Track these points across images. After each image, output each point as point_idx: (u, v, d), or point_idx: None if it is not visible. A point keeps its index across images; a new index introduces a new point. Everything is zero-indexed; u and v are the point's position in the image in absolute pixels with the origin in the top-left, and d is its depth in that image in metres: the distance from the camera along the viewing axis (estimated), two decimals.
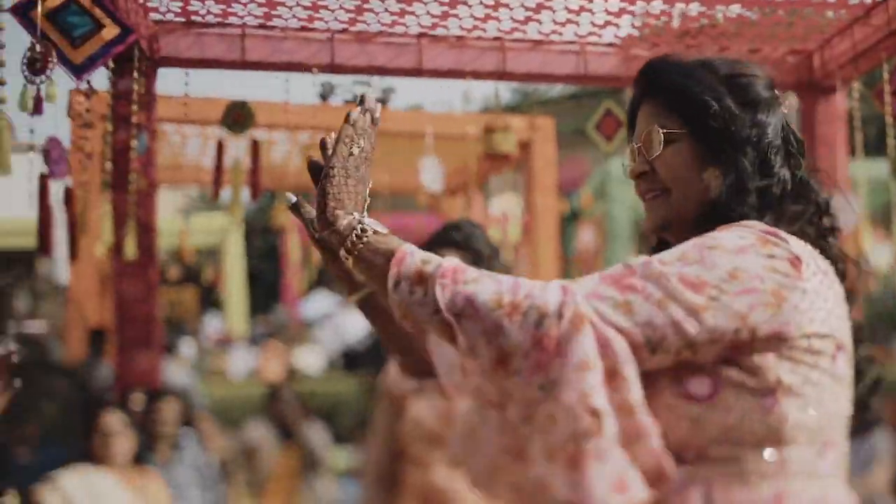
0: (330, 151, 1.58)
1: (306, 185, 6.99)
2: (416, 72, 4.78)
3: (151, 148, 4.69)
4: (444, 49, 4.76)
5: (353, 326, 10.62)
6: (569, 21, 4.40)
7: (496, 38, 4.66)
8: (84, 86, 3.86)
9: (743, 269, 1.44)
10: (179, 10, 4.33)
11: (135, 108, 4.35)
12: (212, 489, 5.26)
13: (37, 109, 3.23)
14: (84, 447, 4.49)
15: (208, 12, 4.35)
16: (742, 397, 1.47)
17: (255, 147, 5.23)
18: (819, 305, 1.48)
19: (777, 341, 1.46)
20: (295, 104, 5.33)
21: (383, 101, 7.40)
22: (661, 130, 1.64)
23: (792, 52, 4.82)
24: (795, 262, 1.46)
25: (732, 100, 1.61)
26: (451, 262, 1.49)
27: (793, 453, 1.49)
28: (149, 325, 4.77)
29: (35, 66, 3.28)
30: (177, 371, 7.74)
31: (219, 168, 4.76)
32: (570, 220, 8.73)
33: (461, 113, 7.70)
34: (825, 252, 1.60)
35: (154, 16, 4.35)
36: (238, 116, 4.90)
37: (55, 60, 3.38)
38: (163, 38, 4.56)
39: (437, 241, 2.81)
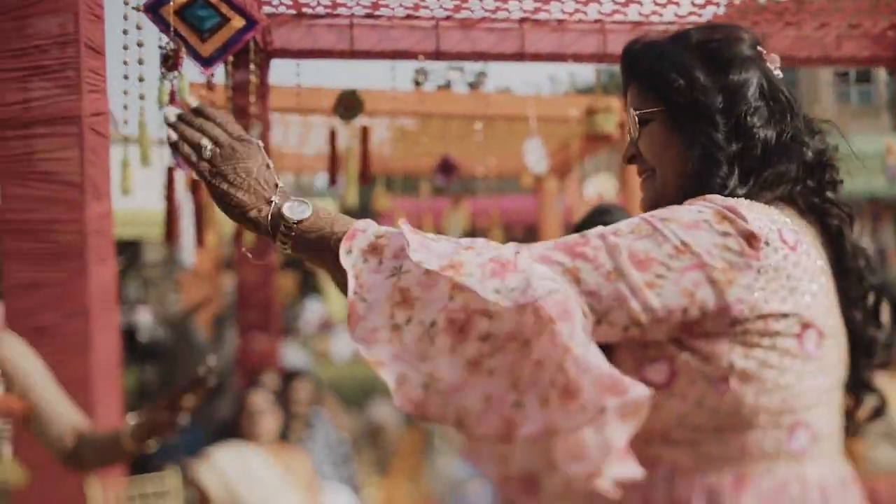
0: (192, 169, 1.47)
1: (406, 170, 7.14)
2: (519, 56, 4.84)
3: (266, 137, 4.85)
4: (545, 33, 4.82)
5: None
6: (669, 2, 4.42)
7: (597, 21, 4.70)
8: (198, 79, 4.00)
9: (693, 244, 1.39)
10: (291, 3, 4.46)
11: (252, 98, 4.50)
12: (343, 466, 5.39)
13: (172, 104, 3.38)
14: (224, 425, 4.66)
15: (318, 4, 4.47)
16: (697, 383, 1.43)
17: (365, 133, 5.37)
18: (780, 284, 1.41)
19: (728, 322, 1.40)
20: (387, 90, 5.46)
21: (476, 84, 7.47)
22: (635, 113, 1.63)
23: (892, 26, 4.77)
24: (752, 239, 1.40)
25: (702, 68, 1.56)
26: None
27: (753, 437, 1.44)
28: (268, 309, 4.94)
29: (168, 62, 3.44)
30: (293, 353, 7.93)
31: (333, 155, 4.89)
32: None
33: (562, 95, 7.73)
34: (819, 210, 1.56)
35: (267, 9, 4.49)
36: (348, 104, 5.03)
37: (186, 55, 3.52)
38: (275, 30, 4.70)
39: (588, 224, 2.86)
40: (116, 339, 2.85)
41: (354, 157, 5.47)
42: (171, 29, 3.44)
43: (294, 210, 1.43)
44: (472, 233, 10.32)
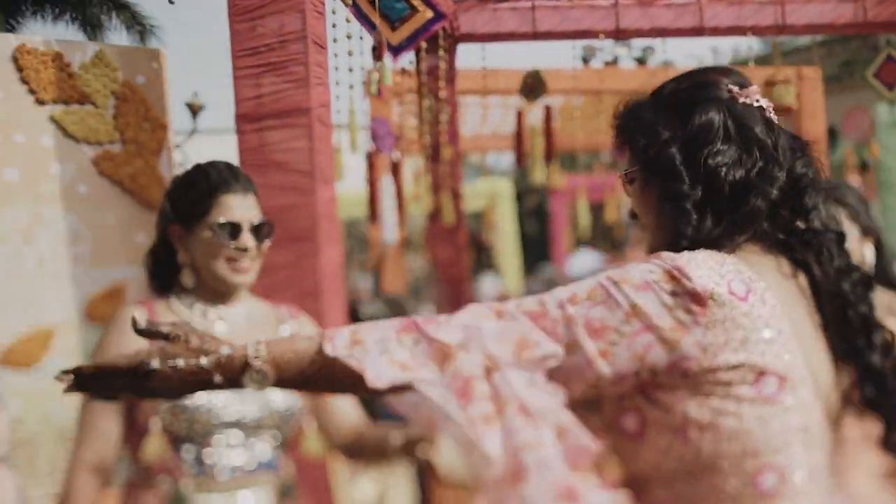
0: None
1: (574, 147, 7.05)
2: (698, 31, 4.77)
3: (453, 120, 4.94)
4: (723, 7, 4.73)
5: None
6: None
7: None
8: (398, 65, 4.11)
9: (643, 306, 1.41)
10: None
11: (441, 83, 4.59)
12: None
13: (379, 92, 3.50)
14: None
15: None
16: (662, 433, 1.46)
17: (548, 113, 5.40)
18: (730, 336, 1.40)
19: (680, 377, 1.42)
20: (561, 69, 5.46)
21: (643, 60, 7.38)
22: (620, 174, 1.66)
23: None
24: (697, 297, 1.40)
25: (666, 121, 1.57)
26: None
27: (717, 481, 1.45)
28: (460, 284, 5.04)
29: (375, 52, 3.56)
30: None
31: (520, 135, 4.94)
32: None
33: (740, 67, 7.50)
34: (792, 243, 1.53)
35: None
36: (532, 85, 5.06)
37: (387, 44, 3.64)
38: (462, 15, 4.77)
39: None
40: (344, 318, 2.97)
41: (538, 137, 5.50)
42: (376, 22, 3.55)
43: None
44: None
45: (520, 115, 5.08)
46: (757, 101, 1.58)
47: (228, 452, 2.27)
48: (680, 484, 1.47)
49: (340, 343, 1.43)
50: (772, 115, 1.59)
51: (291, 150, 2.82)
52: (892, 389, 1.50)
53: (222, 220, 2.33)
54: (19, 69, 2.83)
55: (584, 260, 12.97)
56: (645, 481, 1.51)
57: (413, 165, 5.40)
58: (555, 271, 12.39)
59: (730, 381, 1.41)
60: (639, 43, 7.10)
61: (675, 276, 1.42)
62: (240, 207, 2.36)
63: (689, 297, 1.40)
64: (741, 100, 1.56)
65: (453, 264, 5.08)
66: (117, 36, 9.28)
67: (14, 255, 2.80)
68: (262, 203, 2.47)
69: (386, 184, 4.69)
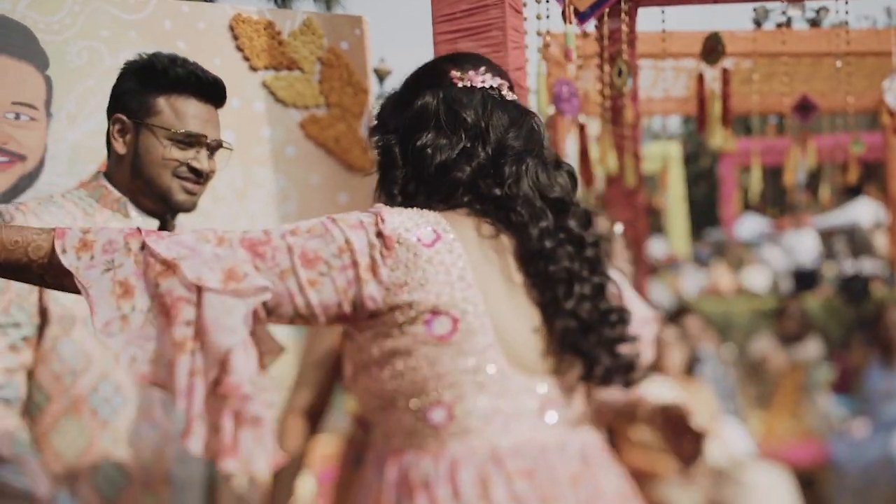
0: None
1: (748, 110, 6.77)
2: None
3: (635, 83, 4.84)
4: None
5: (803, 246, 10.37)
6: None
7: None
8: (584, 30, 4.05)
9: (353, 242, 1.49)
10: None
11: (623, 46, 4.50)
12: (728, 400, 5.38)
13: (567, 57, 3.46)
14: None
15: None
16: (360, 373, 1.58)
17: (726, 76, 5.22)
18: (410, 277, 1.49)
19: (369, 317, 1.52)
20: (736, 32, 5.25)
21: (817, 21, 7.04)
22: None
23: None
24: (388, 241, 1.49)
25: (395, 114, 1.69)
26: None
27: (397, 416, 1.54)
28: (638, 246, 4.97)
29: (563, 16, 3.51)
30: (658, 289, 7.98)
31: (701, 99, 4.80)
32: None
33: None
34: (489, 208, 1.58)
35: None
36: (712, 48, 4.90)
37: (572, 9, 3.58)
38: None
39: None
40: None
41: (717, 100, 5.33)
42: None
43: None
44: (818, 171, 9.81)
45: (700, 79, 4.93)
46: (482, 82, 1.66)
47: None
48: (379, 421, 1.59)
49: (70, 243, 1.45)
50: (503, 92, 1.67)
51: None
52: (588, 330, 1.55)
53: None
54: (235, 37, 2.93)
55: (751, 224, 12.62)
56: (368, 422, 1.66)
57: (594, 128, 5.34)
58: (722, 235, 12.10)
59: (405, 320, 1.50)
60: (812, 4, 6.78)
61: (376, 221, 1.52)
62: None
63: (383, 240, 1.50)
64: (459, 84, 1.65)
65: (631, 226, 5.00)
66: (305, 4, 9.53)
67: (230, 214, 2.93)
68: None
69: (566, 147, 4.64)
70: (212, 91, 2.15)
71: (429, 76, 1.70)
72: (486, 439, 1.51)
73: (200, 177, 2.12)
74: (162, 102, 2.06)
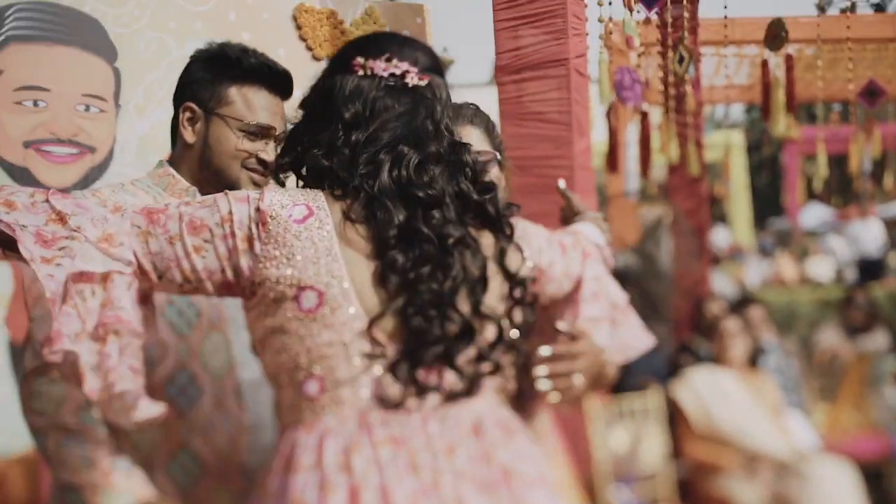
0: None
1: (812, 97, 6.62)
2: None
3: (697, 71, 4.76)
4: None
5: (869, 235, 10.15)
6: None
7: None
8: (650, 17, 3.98)
9: (235, 214, 1.55)
10: None
11: (685, 33, 4.42)
12: (793, 392, 5.29)
13: (629, 44, 3.41)
14: (684, 349, 4.73)
15: None
16: (258, 352, 1.62)
17: (790, 62, 5.11)
18: (280, 252, 1.53)
19: (248, 289, 1.57)
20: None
21: (881, 6, 6.87)
22: None
23: None
24: (263, 216, 1.54)
25: (309, 92, 1.72)
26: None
27: (284, 393, 1.58)
28: (701, 235, 4.90)
29: (624, 2, 3.47)
30: (720, 279, 7.86)
31: (765, 86, 4.71)
32: None
33: None
34: (348, 193, 1.59)
35: None
36: (776, 34, 4.80)
37: None
38: None
39: None
40: None
41: (780, 87, 5.22)
42: None
43: None
44: (883, 159, 9.58)
45: (764, 66, 4.84)
46: (384, 70, 1.65)
47: None
48: (276, 397, 1.63)
49: None
50: (406, 79, 1.64)
51: (549, 101, 2.79)
52: (428, 343, 1.53)
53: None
54: (298, 27, 2.94)
55: (815, 214, 12.38)
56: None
57: (654, 116, 5.27)
58: (786, 225, 11.90)
59: (277, 295, 1.53)
60: None
61: (259, 197, 1.57)
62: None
63: (259, 215, 1.54)
64: (360, 72, 1.65)
65: (694, 215, 4.94)
66: None
67: None
68: (518, 153, 2.44)
69: (626, 135, 4.60)
70: (282, 83, 2.14)
71: (338, 62, 1.72)
72: (356, 409, 1.52)
73: (267, 168, 2.12)
74: (234, 92, 2.05)
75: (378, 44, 1.69)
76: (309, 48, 2.97)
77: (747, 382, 4.54)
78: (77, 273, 1.51)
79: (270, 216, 1.54)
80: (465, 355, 1.55)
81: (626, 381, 4.51)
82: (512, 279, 1.60)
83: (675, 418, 4.41)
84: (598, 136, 4.70)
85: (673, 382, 4.47)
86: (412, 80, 1.65)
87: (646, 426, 4.20)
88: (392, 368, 1.52)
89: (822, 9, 6.80)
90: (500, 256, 1.60)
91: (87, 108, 2.75)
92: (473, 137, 2.03)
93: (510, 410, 1.65)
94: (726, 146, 10.64)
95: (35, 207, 1.56)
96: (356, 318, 1.53)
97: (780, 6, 5.36)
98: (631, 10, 3.44)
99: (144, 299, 1.62)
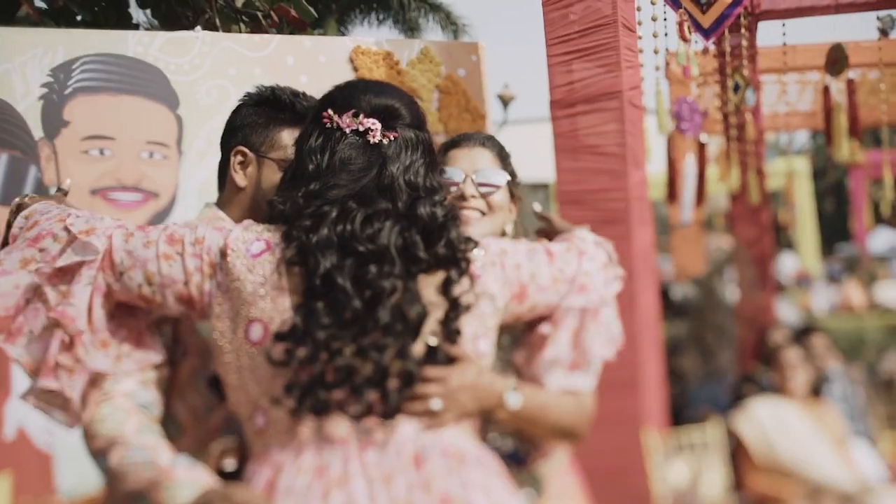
0: None
1: (876, 121, 6.44)
2: None
3: (758, 99, 4.68)
4: None
5: None
6: None
7: None
8: (709, 46, 3.93)
9: (207, 238, 1.65)
10: None
11: (744, 62, 4.36)
12: (858, 420, 5.13)
13: (685, 74, 3.36)
14: (746, 379, 4.61)
15: None
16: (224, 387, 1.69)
17: (852, 87, 5.01)
18: (235, 286, 1.61)
19: (208, 310, 1.65)
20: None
21: None
22: None
23: None
24: (226, 247, 1.63)
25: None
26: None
27: (244, 428, 1.65)
28: (764, 264, 4.79)
29: (679, 32, 3.42)
30: (785, 307, 7.70)
31: (828, 112, 4.61)
32: None
33: None
34: (299, 239, 1.62)
35: None
36: (836, 59, 4.71)
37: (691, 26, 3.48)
38: None
39: None
40: (656, 299, 2.88)
41: (842, 112, 5.11)
42: (680, 3, 3.41)
43: None
44: None
45: (826, 91, 4.74)
46: (347, 126, 1.69)
47: None
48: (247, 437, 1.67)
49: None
50: (368, 136, 1.67)
51: (603, 134, 2.76)
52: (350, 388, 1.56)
53: None
54: (355, 69, 2.95)
55: (883, 238, 12.09)
56: None
57: (714, 146, 5.19)
58: (854, 250, 11.62)
59: (232, 327, 1.61)
60: None
61: (224, 232, 1.66)
62: None
63: (224, 247, 1.63)
64: (328, 125, 1.70)
65: (756, 243, 4.84)
66: (433, 36, 9.61)
67: None
68: (574, 187, 2.41)
69: (685, 165, 4.52)
70: None
71: (315, 111, 1.77)
72: (297, 439, 1.57)
73: None
74: (286, 136, 2.04)
75: (349, 97, 1.72)
76: None
77: (810, 412, 4.40)
78: (55, 269, 1.64)
79: (232, 249, 1.63)
80: (378, 392, 1.56)
81: (686, 412, 4.41)
82: (453, 303, 1.62)
83: (737, 450, 4.30)
84: (657, 167, 4.64)
85: (734, 414, 4.35)
86: (374, 137, 1.68)
87: (706, 459, 4.09)
88: (312, 402, 1.56)
89: (884, 32, 6.63)
90: (446, 286, 1.62)
91: (151, 154, 2.78)
92: (485, 158, 2.07)
93: (474, 441, 1.66)
94: (791, 173, 10.45)
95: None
96: (285, 351, 1.58)
97: (841, 31, 5.25)
98: (686, 40, 3.39)
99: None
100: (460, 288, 1.63)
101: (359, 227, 1.61)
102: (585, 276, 1.80)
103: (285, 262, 1.61)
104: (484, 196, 2.03)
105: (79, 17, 4.12)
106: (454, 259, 1.64)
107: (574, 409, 1.80)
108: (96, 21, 4.05)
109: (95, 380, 1.70)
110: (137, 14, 4.38)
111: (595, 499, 2.34)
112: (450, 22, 9.75)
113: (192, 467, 1.65)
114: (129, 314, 1.73)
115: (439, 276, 1.63)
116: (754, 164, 4.42)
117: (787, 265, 10.24)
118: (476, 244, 1.69)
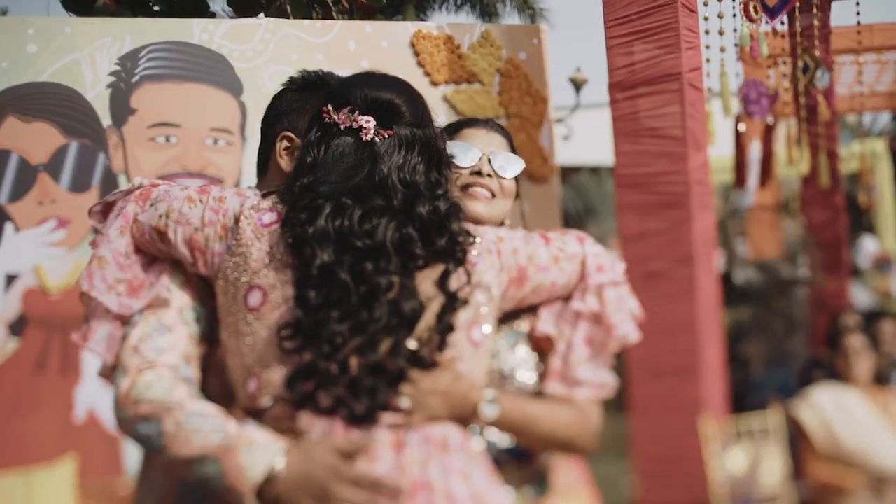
0: None
1: None
2: None
3: (831, 80, 4.51)
4: None
5: None
6: None
7: None
8: (776, 27, 3.80)
9: (227, 199, 1.64)
10: None
11: (816, 42, 4.21)
12: None
13: (752, 52, 3.25)
14: (813, 365, 4.47)
15: None
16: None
17: None
18: (240, 251, 1.59)
19: (213, 271, 1.63)
20: None
21: None
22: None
23: None
24: (240, 213, 1.62)
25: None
26: None
27: (239, 394, 1.61)
28: (837, 248, 4.63)
29: (745, 12, 3.30)
30: (860, 292, 7.44)
31: None
32: None
33: None
34: (293, 230, 1.60)
35: None
36: None
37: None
38: None
39: None
40: (717, 283, 2.80)
41: None
42: None
43: None
44: None
45: None
46: (343, 122, 1.66)
47: None
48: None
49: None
50: (361, 133, 1.64)
51: (664, 116, 2.68)
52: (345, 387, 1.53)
53: None
54: (416, 53, 2.92)
55: None
56: None
57: (785, 128, 5.03)
58: None
59: (235, 290, 1.59)
60: None
61: (247, 197, 1.65)
62: None
63: (240, 213, 1.62)
64: (326, 119, 1.68)
65: (829, 227, 4.68)
66: (510, 21, 9.53)
67: None
68: (634, 170, 2.34)
69: (755, 148, 4.39)
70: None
71: (318, 105, 1.76)
72: (284, 412, 1.55)
73: None
74: None
75: (347, 92, 1.69)
76: (427, 74, 2.94)
77: (874, 400, 4.23)
78: (104, 204, 1.72)
79: (245, 216, 1.63)
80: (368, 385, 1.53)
81: (750, 399, 4.28)
82: (450, 297, 1.58)
83: (798, 438, 4.16)
84: (725, 151, 4.50)
85: (794, 402, 4.21)
86: (367, 135, 1.64)
87: (765, 446, 3.97)
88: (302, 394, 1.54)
89: None
90: (443, 279, 1.59)
91: (216, 141, 2.79)
92: (496, 142, 2.01)
93: (459, 430, 1.60)
94: (870, 156, 10.10)
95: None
96: (292, 323, 1.58)
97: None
98: (753, 20, 3.27)
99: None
100: (458, 282, 1.60)
101: (356, 222, 1.59)
102: (595, 258, 1.74)
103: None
104: (499, 177, 1.97)
105: (155, 7, 4.15)
106: (452, 252, 1.61)
107: (574, 421, 1.71)
108: (172, 10, 4.05)
109: (133, 344, 1.71)
110: (213, 3, 4.40)
111: (651, 485, 2.29)
112: (527, 6, 9.63)
113: (264, 430, 1.65)
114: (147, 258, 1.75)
115: (438, 270, 1.60)
116: (825, 146, 4.26)
117: (868, 248, 9.88)
118: (474, 238, 1.65)
